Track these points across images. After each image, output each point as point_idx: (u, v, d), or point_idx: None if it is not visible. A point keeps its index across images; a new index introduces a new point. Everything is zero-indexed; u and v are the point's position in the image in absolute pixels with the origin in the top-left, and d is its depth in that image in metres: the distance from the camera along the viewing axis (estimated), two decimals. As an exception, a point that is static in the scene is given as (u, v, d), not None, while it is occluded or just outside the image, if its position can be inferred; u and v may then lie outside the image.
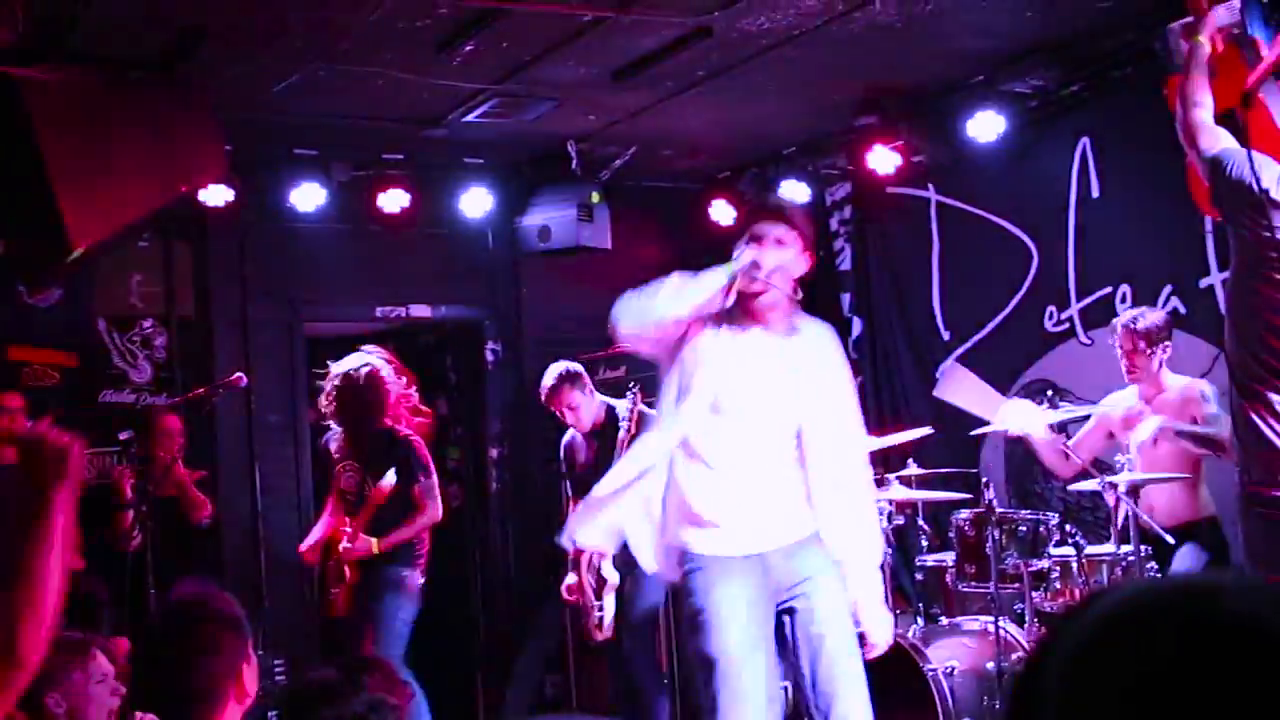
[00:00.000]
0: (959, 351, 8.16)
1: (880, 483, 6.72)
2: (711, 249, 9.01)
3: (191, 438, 7.60)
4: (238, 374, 7.14)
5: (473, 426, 9.44)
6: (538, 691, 8.39)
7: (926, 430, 6.84)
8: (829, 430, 4.39)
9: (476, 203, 8.74)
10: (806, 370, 4.35)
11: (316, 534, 6.94)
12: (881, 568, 6.37)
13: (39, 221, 6.04)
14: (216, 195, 7.74)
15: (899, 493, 6.55)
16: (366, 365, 6.76)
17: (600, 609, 6.82)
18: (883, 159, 7.95)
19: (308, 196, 8.20)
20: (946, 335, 8.27)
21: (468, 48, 6.36)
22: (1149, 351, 6.08)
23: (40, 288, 7.85)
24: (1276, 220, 3.87)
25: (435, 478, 6.85)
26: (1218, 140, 4.06)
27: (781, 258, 4.29)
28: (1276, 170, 3.91)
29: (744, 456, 4.29)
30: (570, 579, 6.97)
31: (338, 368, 6.84)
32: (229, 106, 6.72)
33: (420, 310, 9.15)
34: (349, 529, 6.67)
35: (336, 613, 6.86)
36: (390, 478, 6.57)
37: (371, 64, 6.51)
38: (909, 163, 8.01)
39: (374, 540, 6.59)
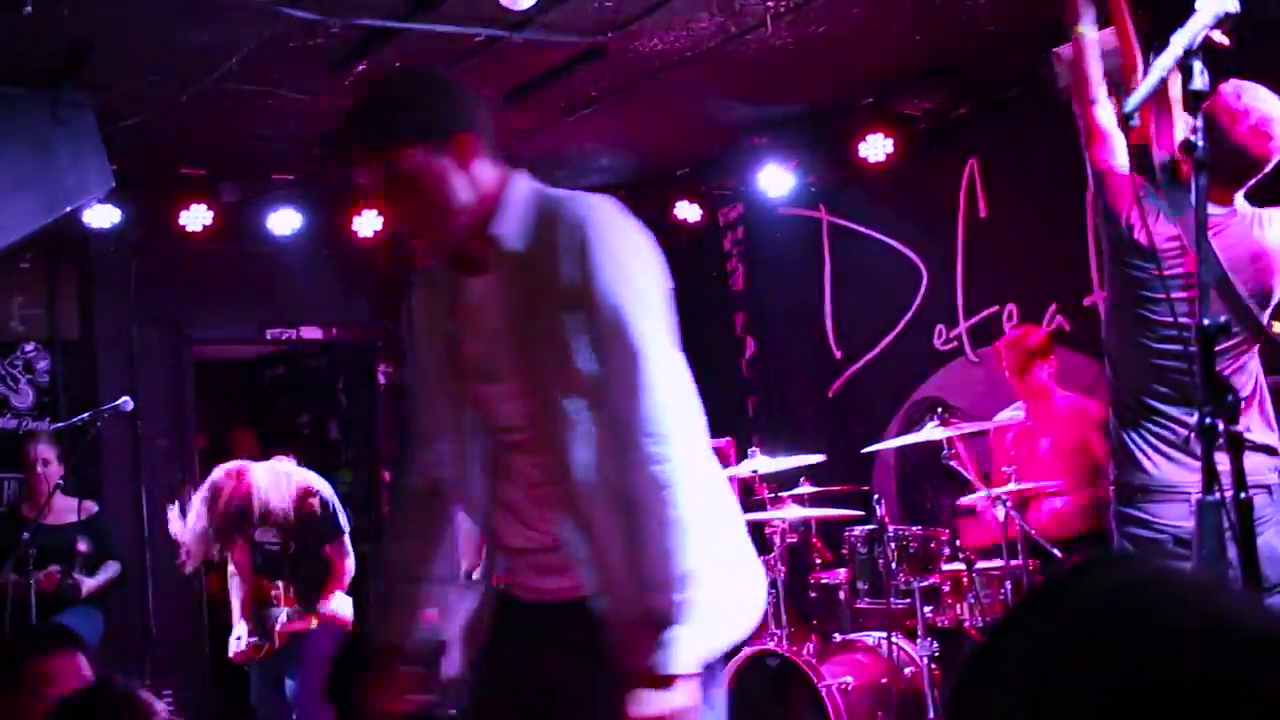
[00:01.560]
0: (850, 371, 8.24)
1: (775, 501, 6.77)
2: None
3: (76, 464, 7.43)
4: (124, 398, 7.01)
5: (365, 449, 9.36)
6: None
7: (818, 457, 6.90)
8: None
9: (368, 223, 8.66)
10: None
11: None
12: (775, 584, 6.46)
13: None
14: (102, 215, 7.60)
15: (793, 511, 6.58)
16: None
17: None
18: (775, 180, 8.03)
19: (196, 217, 8.07)
20: (838, 354, 8.35)
21: (359, 68, 6.31)
22: (1034, 369, 6.21)
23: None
24: (1142, 264, 3.93)
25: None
26: (1114, 155, 4.06)
27: None
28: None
29: None
30: None
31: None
32: (114, 124, 6.60)
33: (311, 332, 9.06)
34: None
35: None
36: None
37: (262, 83, 6.44)
38: (801, 183, 8.10)
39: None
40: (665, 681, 2.53)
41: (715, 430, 8.11)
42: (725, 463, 7.61)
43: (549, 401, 2.74)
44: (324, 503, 6.52)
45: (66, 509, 7.30)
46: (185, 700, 8.13)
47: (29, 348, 8.28)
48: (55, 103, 6.19)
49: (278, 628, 6.52)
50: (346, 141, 2.85)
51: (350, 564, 6.64)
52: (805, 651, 6.12)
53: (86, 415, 7.14)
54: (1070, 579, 0.96)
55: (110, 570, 7.40)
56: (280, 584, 6.56)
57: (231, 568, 6.70)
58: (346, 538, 6.60)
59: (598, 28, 6.09)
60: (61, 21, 5.55)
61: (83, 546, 7.18)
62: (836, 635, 6.40)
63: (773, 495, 6.88)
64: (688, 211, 8.78)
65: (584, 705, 2.74)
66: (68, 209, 6.36)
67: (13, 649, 3.32)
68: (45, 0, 5.24)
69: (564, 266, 2.69)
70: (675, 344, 2.78)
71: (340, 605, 6.58)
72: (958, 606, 6.07)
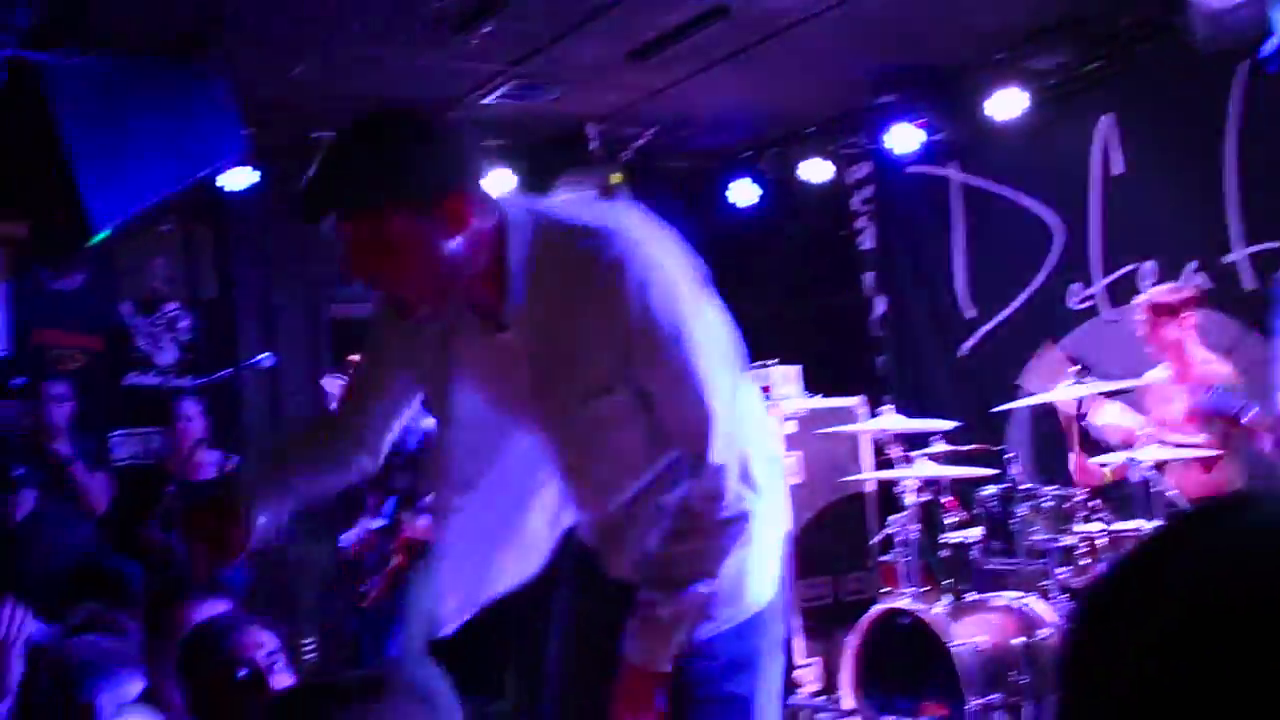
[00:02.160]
0: (983, 330, 8.13)
1: (906, 460, 6.72)
2: (732, 228, 9.10)
3: (216, 420, 7.63)
4: (264, 354, 7.16)
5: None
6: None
7: (951, 424, 6.82)
8: None
9: (495, 185, 8.73)
10: None
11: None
12: (907, 543, 6.42)
13: (60, 205, 6.06)
14: (237, 179, 7.76)
15: (925, 469, 6.52)
16: None
17: None
18: (904, 137, 7.92)
19: (329, 180, 8.19)
20: (970, 314, 8.24)
21: (484, 29, 6.34)
22: (1174, 327, 6.06)
23: (63, 271, 7.89)
24: None
25: None
26: None
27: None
28: None
29: None
30: None
31: None
32: (248, 90, 6.73)
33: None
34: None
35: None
36: None
37: (388, 46, 6.50)
38: (931, 141, 7.98)
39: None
40: (658, 679, 2.60)
41: (844, 388, 8.13)
42: (854, 420, 7.57)
43: (584, 461, 2.67)
44: None
45: (209, 463, 7.50)
46: (327, 650, 8.33)
47: (171, 307, 8.51)
48: (191, 70, 6.32)
49: None
50: (317, 201, 2.53)
51: None
52: (937, 611, 6.07)
53: (228, 372, 7.32)
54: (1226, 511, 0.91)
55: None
56: None
57: None
58: None
59: (723, -16, 6.05)
60: (197, -12, 5.67)
61: None
62: (969, 595, 6.34)
63: (904, 454, 6.83)
64: (816, 170, 8.70)
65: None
66: (204, 173, 6.49)
67: (162, 597, 3.46)
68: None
69: (596, 323, 2.46)
70: (733, 367, 2.63)
71: None
72: (1093, 567, 5.97)
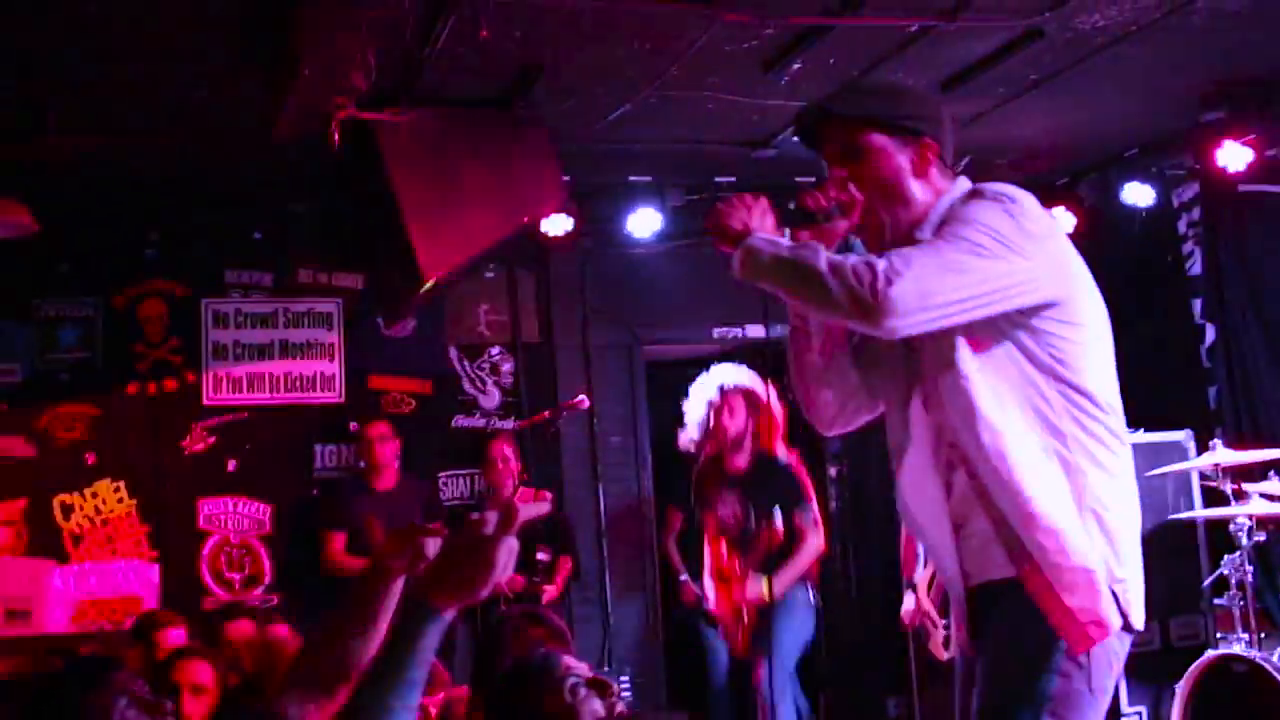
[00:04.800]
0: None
1: (1240, 496, 6.39)
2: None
3: (536, 460, 7.89)
4: (580, 396, 7.37)
5: (810, 445, 9.42)
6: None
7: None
8: None
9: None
10: None
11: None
12: (1242, 586, 6.09)
13: (394, 256, 6.38)
14: (557, 224, 8.01)
15: (1260, 507, 6.19)
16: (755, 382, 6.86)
17: (945, 627, 6.69)
18: (1233, 155, 7.56)
19: (644, 222, 8.40)
20: (1309, 340, 7.79)
21: (795, 66, 6.38)
22: None
23: (396, 319, 8.30)
24: None
25: (816, 507, 6.88)
26: None
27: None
28: None
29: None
30: (908, 602, 6.87)
31: (729, 378, 6.93)
32: (565, 138, 6.96)
33: (755, 330, 9.22)
34: (737, 569, 6.71)
35: (737, 653, 6.94)
36: (778, 519, 6.58)
37: (700, 89, 6.61)
38: (1262, 158, 7.59)
39: (766, 584, 6.61)
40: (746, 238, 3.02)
41: (1172, 422, 7.78)
42: (1183, 455, 7.24)
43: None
44: None
45: (525, 503, 7.74)
46: (644, 692, 8.48)
47: (494, 351, 8.84)
48: (511, 120, 6.57)
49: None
50: (819, 107, 3.04)
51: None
52: (1277, 658, 5.74)
53: (546, 414, 7.55)
54: None
55: (565, 570, 7.80)
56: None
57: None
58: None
59: (1034, 8, 5.91)
60: (514, 44, 5.89)
61: (542, 555, 7.58)
62: (1312, 640, 5.98)
63: (1238, 491, 6.49)
64: (1139, 194, 8.40)
65: None
66: (525, 220, 6.73)
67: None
68: (500, 25, 5.59)
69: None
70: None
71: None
72: None
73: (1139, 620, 2.85)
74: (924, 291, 2.68)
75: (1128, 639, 2.88)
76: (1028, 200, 2.85)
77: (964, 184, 2.97)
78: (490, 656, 3.18)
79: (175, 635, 5.62)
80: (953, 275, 2.70)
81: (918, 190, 2.94)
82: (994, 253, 2.73)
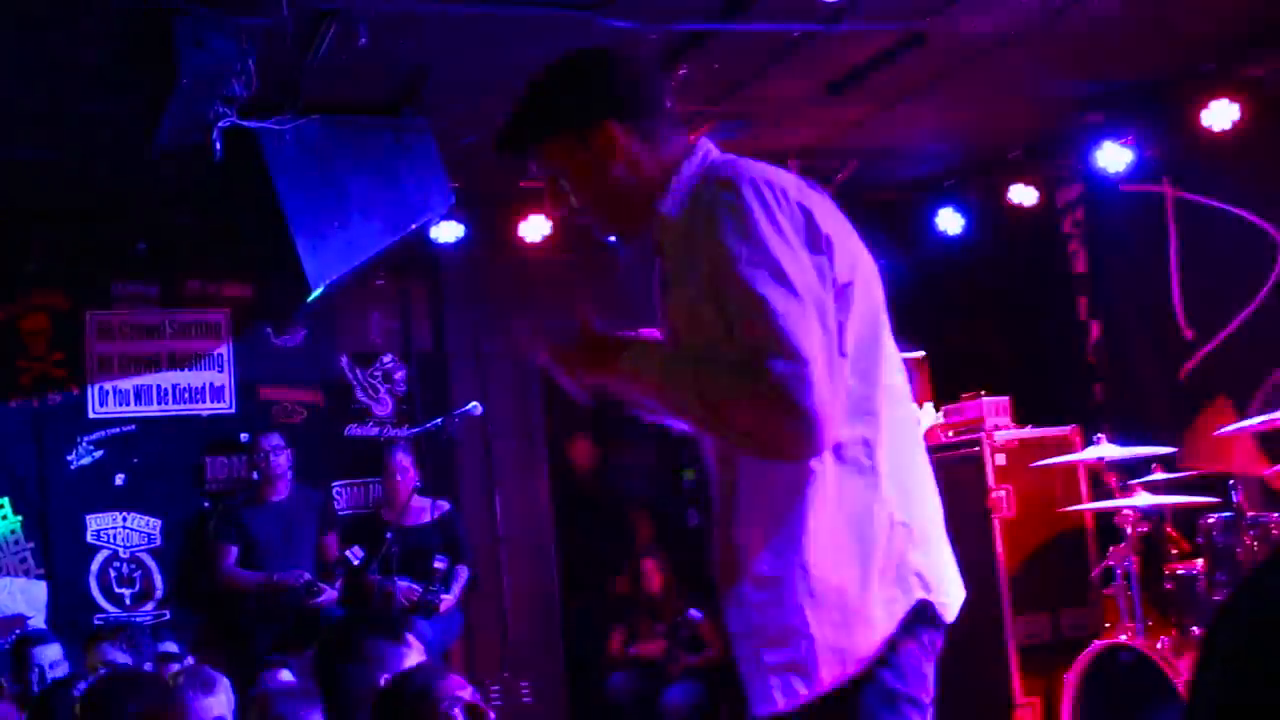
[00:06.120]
0: (1203, 351, 7.84)
1: (1125, 489, 6.51)
2: (940, 258, 8.98)
3: (432, 468, 7.85)
4: (473, 403, 7.33)
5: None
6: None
7: (1170, 450, 6.60)
8: None
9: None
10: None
11: None
12: (1128, 576, 6.21)
13: (281, 265, 6.31)
14: (447, 231, 7.97)
15: (1144, 499, 6.31)
16: None
17: None
18: (1113, 156, 7.72)
19: (535, 227, 8.39)
20: (1190, 334, 7.95)
21: (681, 71, 6.40)
22: None
23: (285, 328, 8.21)
24: None
25: None
26: None
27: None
28: None
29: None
30: None
31: None
32: (452, 143, 6.92)
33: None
34: None
35: None
36: None
37: (588, 94, 6.60)
38: (1141, 158, 7.75)
39: None
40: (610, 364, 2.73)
41: (1057, 417, 7.92)
42: (1069, 450, 7.37)
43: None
44: None
45: (421, 509, 7.73)
46: (543, 696, 8.45)
47: (387, 359, 8.78)
48: (397, 127, 6.53)
49: None
50: (498, 143, 2.84)
51: None
52: (1161, 646, 5.86)
53: (439, 420, 7.52)
54: None
55: (462, 578, 7.76)
56: None
57: None
58: None
59: (916, 13, 5.99)
60: (398, 50, 5.85)
61: (439, 564, 7.54)
62: (1194, 629, 6.10)
63: (1122, 484, 6.62)
64: (1023, 195, 8.54)
65: None
66: (413, 227, 6.68)
67: (356, 630, 3.56)
68: (383, 33, 5.55)
69: (698, 227, 2.53)
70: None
71: None
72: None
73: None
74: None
75: None
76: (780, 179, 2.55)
77: (703, 148, 2.71)
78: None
79: (49, 653, 5.53)
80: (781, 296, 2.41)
81: (629, 170, 2.67)
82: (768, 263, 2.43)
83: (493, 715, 3.00)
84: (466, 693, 2.98)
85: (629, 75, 2.76)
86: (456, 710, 2.94)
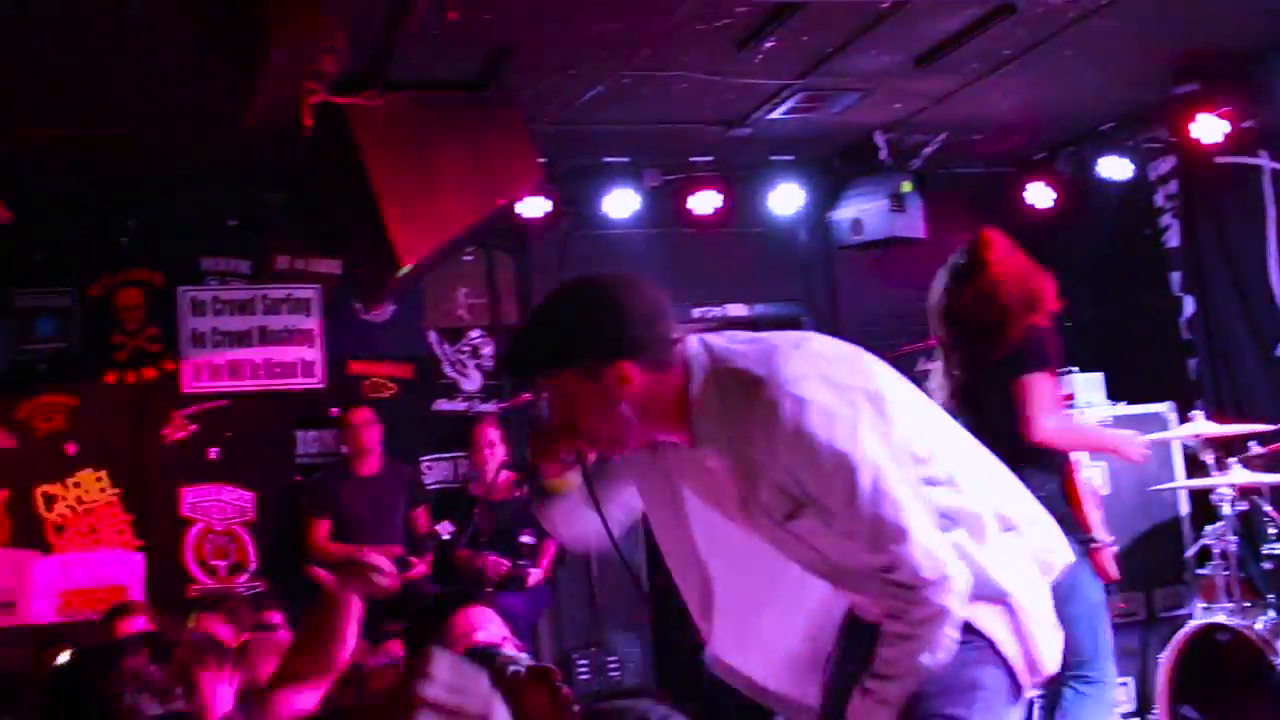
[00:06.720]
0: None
1: (1221, 466, 6.40)
2: (1029, 233, 8.84)
3: (519, 444, 7.89)
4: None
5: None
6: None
7: (1269, 427, 6.47)
8: None
9: (787, 199, 8.78)
10: None
11: None
12: (1225, 555, 6.10)
13: (370, 241, 6.36)
14: (534, 207, 8.00)
15: (1241, 476, 6.20)
16: None
17: None
18: (1208, 128, 7.56)
19: (621, 202, 8.40)
20: (1287, 309, 7.79)
21: (768, 44, 6.36)
22: None
23: (374, 304, 8.28)
24: None
25: None
26: None
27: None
28: None
29: None
30: None
31: None
32: (540, 120, 6.94)
33: (736, 309, 9.22)
34: None
35: None
36: None
37: (674, 68, 6.60)
38: (1238, 129, 7.59)
39: None
40: None
41: (1152, 394, 7.79)
42: (1163, 427, 7.26)
43: (809, 561, 2.86)
44: None
45: (509, 485, 7.77)
46: (630, 671, 8.48)
47: (474, 334, 8.83)
48: (484, 104, 6.55)
49: None
50: (505, 367, 2.91)
51: None
52: (1259, 626, 5.76)
53: (527, 395, 7.55)
54: None
55: (550, 552, 7.80)
56: None
57: None
58: None
59: (1007, -17, 5.91)
60: (484, 26, 5.86)
61: (527, 538, 7.57)
62: (1293, 609, 5.99)
63: (1218, 461, 6.50)
64: (1115, 168, 8.40)
65: None
66: (500, 202, 6.71)
67: (444, 604, 3.60)
68: (469, 7, 5.57)
69: (763, 458, 2.68)
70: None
71: None
72: None
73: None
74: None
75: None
76: (818, 380, 2.71)
77: (698, 364, 2.78)
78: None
79: (138, 625, 5.63)
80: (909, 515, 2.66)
81: (633, 404, 2.75)
82: (882, 471, 2.66)
83: (558, 674, 3.01)
84: (525, 658, 3.03)
85: (642, 316, 2.78)
86: (521, 673, 2.96)
